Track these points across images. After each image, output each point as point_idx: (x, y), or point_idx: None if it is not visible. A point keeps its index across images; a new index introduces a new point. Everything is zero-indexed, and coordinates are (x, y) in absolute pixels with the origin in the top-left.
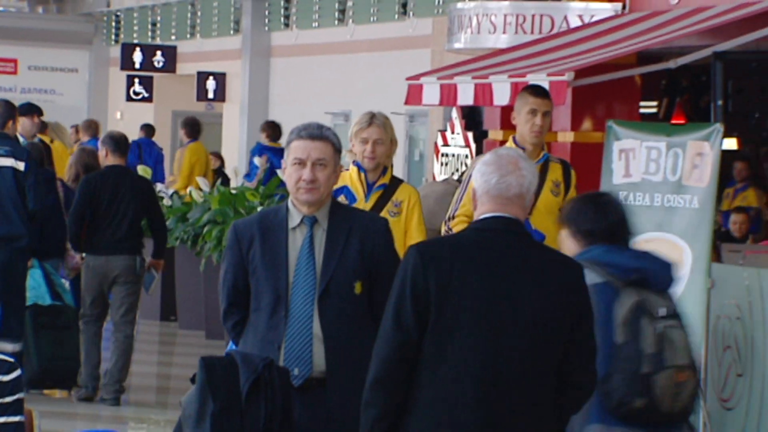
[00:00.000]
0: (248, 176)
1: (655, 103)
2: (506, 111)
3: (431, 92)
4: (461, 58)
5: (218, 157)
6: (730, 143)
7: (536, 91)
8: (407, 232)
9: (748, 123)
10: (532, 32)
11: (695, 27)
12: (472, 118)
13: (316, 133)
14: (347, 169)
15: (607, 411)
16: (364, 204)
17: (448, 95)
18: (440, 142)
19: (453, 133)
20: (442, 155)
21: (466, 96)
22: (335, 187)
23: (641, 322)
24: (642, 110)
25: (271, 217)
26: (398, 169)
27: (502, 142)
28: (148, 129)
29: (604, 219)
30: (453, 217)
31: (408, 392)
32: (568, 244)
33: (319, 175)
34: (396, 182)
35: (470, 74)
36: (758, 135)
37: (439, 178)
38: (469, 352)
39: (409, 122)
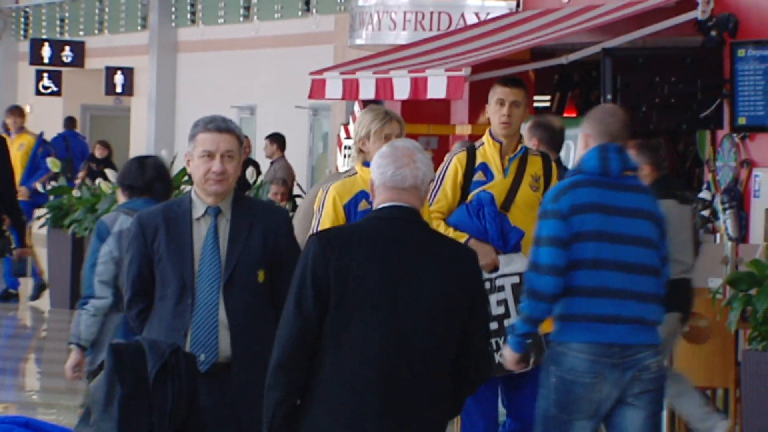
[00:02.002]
0: (36, 176)
1: (548, 98)
2: (406, 105)
3: (334, 87)
4: (363, 53)
5: (105, 146)
6: None
7: (505, 80)
8: None
9: (636, 116)
10: (430, 29)
11: (586, 24)
12: None
13: (223, 125)
14: (356, 173)
15: None
16: None
17: (350, 89)
18: (343, 134)
19: None
20: (345, 147)
21: (367, 90)
22: (353, 193)
23: None
24: (536, 104)
25: (175, 208)
26: (303, 162)
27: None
28: (71, 121)
29: (143, 176)
30: None
31: (310, 374)
32: (120, 198)
33: (228, 166)
34: None
35: (371, 69)
36: (645, 128)
37: (342, 169)
38: (368, 336)
39: (312, 116)
